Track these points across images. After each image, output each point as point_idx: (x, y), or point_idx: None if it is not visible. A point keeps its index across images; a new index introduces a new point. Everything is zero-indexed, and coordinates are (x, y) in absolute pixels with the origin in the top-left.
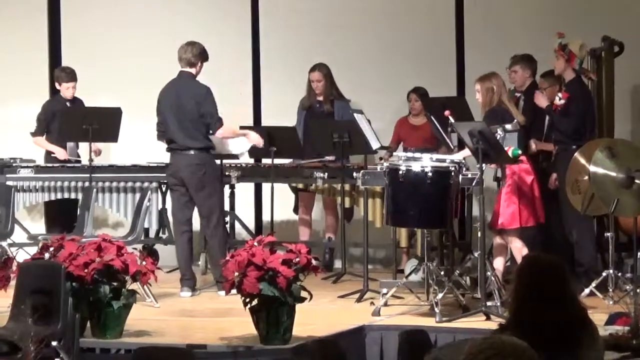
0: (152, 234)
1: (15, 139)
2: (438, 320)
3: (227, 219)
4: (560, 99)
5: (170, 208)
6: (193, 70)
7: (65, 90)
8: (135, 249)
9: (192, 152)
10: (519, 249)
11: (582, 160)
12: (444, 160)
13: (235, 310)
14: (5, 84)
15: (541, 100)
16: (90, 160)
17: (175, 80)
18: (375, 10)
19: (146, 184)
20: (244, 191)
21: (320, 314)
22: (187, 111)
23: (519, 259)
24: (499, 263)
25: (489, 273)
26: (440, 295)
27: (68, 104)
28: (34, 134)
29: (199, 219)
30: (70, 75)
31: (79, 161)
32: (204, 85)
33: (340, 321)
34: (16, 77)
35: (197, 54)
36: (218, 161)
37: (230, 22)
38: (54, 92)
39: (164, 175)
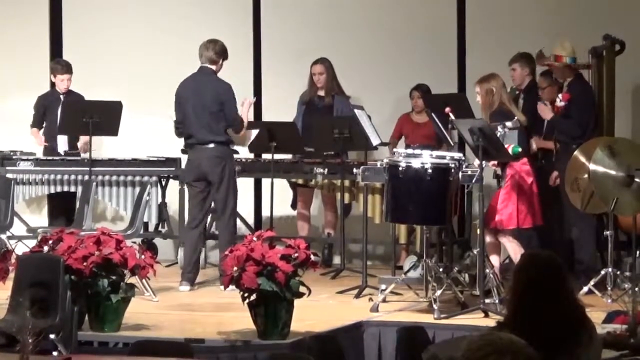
0: (151, 228)
1: (16, 132)
2: (436, 316)
3: None
4: (560, 100)
5: (187, 204)
6: (214, 67)
7: (60, 82)
8: (134, 242)
9: (212, 145)
10: (514, 249)
11: (582, 159)
12: (444, 157)
13: (234, 305)
14: (7, 78)
15: (546, 113)
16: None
17: (195, 75)
18: (376, 6)
19: (146, 178)
20: (244, 186)
21: (319, 309)
22: (207, 105)
23: (515, 259)
24: (494, 261)
25: (487, 270)
26: (438, 292)
27: (62, 97)
28: (31, 125)
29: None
30: (66, 68)
31: (78, 154)
32: (225, 82)
33: (339, 317)
34: (17, 71)
35: (218, 51)
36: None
37: (231, 19)
38: (53, 85)
39: (164, 169)
